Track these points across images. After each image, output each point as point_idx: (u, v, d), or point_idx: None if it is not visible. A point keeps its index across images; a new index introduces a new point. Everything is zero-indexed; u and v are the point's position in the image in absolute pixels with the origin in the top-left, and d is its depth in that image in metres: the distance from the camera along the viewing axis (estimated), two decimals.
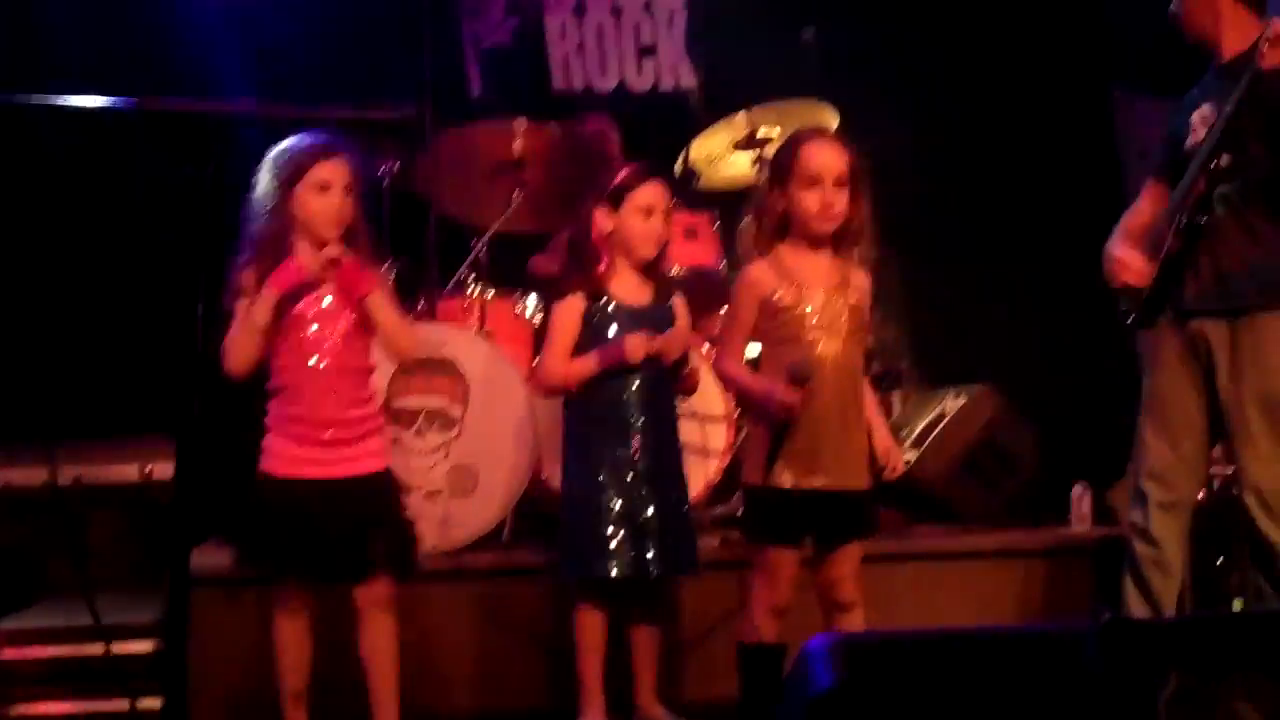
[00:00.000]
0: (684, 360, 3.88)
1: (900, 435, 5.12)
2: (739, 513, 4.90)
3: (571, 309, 3.84)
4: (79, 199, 5.35)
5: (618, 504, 3.75)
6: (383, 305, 3.65)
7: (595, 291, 3.83)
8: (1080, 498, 4.82)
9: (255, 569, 3.66)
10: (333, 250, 3.57)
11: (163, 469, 4.47)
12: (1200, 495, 4.11)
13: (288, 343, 3.60)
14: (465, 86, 6.12)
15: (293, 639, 3.64)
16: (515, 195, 5.12)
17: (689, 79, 6.18)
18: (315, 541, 3.58)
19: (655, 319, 3.85)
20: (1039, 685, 2.19)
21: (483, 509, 4.47)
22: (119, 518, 4.58)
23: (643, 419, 3.80)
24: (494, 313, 4.93)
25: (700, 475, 4.67)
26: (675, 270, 4.97)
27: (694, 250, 5.07)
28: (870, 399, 3.76)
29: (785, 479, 3.55)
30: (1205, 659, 2.29)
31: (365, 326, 3.65)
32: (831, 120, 5.20)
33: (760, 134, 5.08)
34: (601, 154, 5.47)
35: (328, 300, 3.63)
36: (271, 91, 4.88)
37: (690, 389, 4.05)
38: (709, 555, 4.33)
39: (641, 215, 3.80)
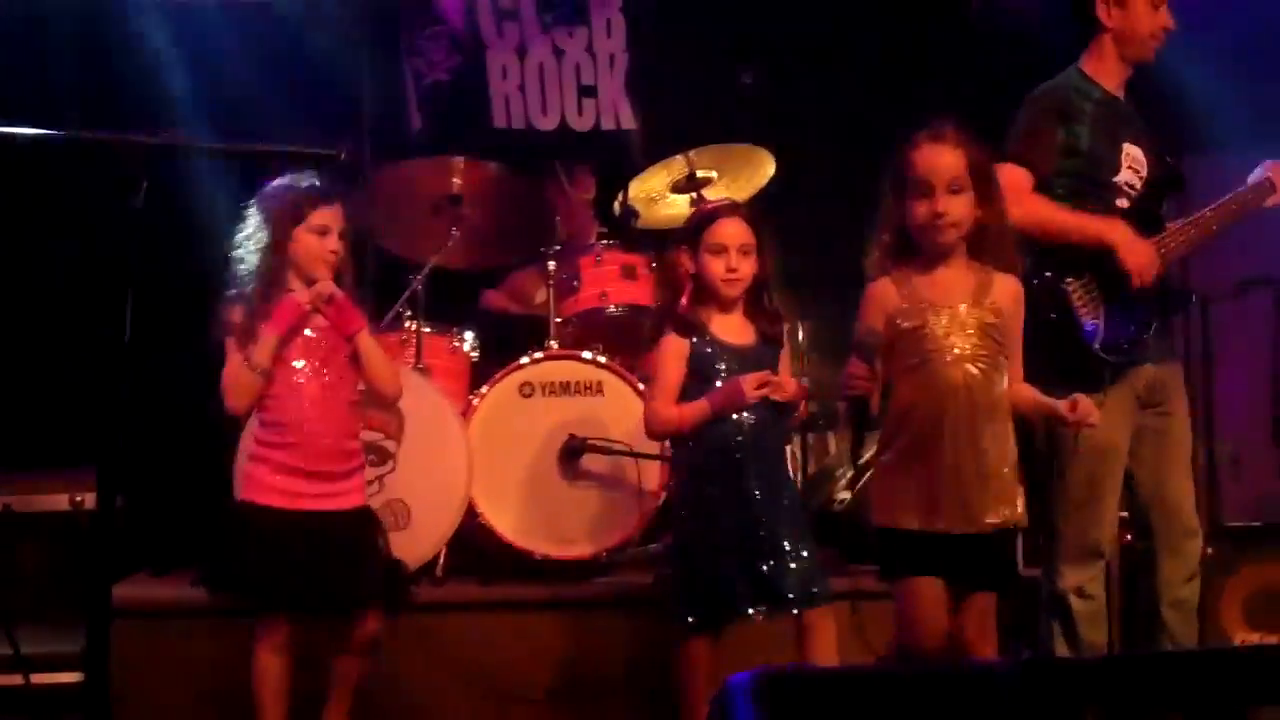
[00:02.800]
0: (794, 401, 3.79)
1: (835, 476, 5.15)
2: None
3: (675, 349, 3.72)
4: (12, 230, 5.32)
5: (736, 542, 3.64)
6: (371, 343, 3.73)
7: (695, 331, 3.73)
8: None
9: (241, 600, 3.62)
10: (328, 286, 3.66)
11: (93, 499, 4.44)
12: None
13: (280, 375, 3.63)
14: (405, 122, 6.14)
15: (275, 674, 3.59)
16: (453, 231, 5.13)
17: (629, 120, 6.23)
18: (307, 575, 3.57)
19: (760, 358, 3.74)
20: None
21: (416, 543, 4.46)
22: (49, 548, 4.54)
23: (754, 457, 3.68)
24: (430, 347, 4.94)
25: (636, 514, 4.69)
26: (615, 309, 5.05)
27: (631, 289, 5.09)
28: (1024, 399, 3.39)
29: (910, 520, 3.29)
30: (1123, 698, 2.33)
31: (355, 362, 3.72)
32: (769, 164, 5.26)
33: (699, 175, 5.12)
34: (549, 199, 5.50)
35: (321, 335, 3.69)
36: (211, 125, 4.88)
37: (796, 424, 4.15)
38: (645, 593, 4.36)
39: (711, 254, 3.72)
